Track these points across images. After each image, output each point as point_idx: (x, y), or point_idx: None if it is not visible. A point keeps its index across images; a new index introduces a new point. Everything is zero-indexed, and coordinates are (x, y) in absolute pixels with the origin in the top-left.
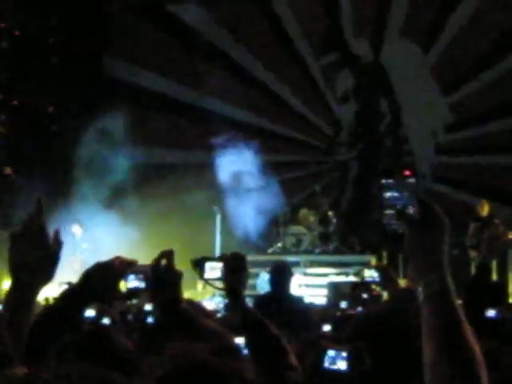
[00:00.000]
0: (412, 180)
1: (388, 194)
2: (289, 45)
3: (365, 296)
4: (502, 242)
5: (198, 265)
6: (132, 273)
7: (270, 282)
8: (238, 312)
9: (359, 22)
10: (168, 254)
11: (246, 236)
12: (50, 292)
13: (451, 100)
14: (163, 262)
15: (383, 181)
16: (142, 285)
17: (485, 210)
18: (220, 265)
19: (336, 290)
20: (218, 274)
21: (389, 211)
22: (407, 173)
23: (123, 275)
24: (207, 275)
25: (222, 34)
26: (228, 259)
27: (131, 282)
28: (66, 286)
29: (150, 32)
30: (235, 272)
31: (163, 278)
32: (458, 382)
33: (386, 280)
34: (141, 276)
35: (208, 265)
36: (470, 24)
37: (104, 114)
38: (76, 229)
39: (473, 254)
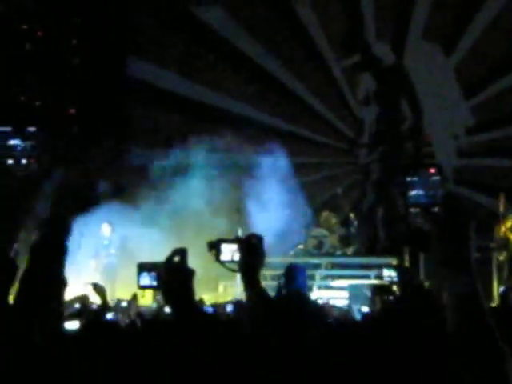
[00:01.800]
0: (437, 178)
1: (413, 192)
2: (310, 47)
3: (385, 298)
4: None
5: (214, 247)
6: (144, 270)
7: (284, 282)
8: (253, 294)
9: (381, 24)
10: (181, 252)
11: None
12: (76, 292)
13: (473, 103)
14: (176, 259)
15: (408, 178)
16: (154, 283)
17: (502, 204)
18: (236, 247)
19: (356, 293)
20: (234, 256)
21: (414, 209)
22: (432, 170)
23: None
24: (223, 257)
25: (244, 36)
26: (244, 241)
27: (143, 280)
28: (90, 287)
29: (173, 34)
30: (251, 254)
31: (176, 275)
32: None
33: (404, 280)
34: (153, 274)
35: (224, 247)
36: (491, 26)
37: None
38: (105, 228)
39: (501, 256)
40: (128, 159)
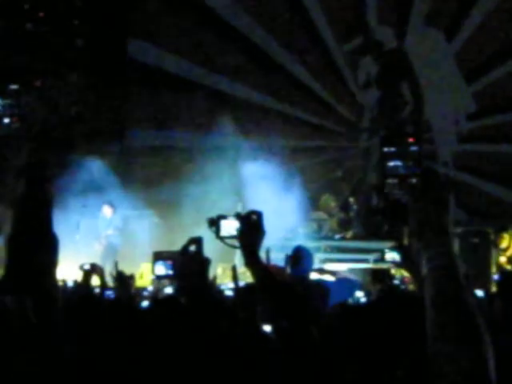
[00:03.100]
0: (415, 148)
1: (391, 163)
2: (312, 30)
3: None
4: None
5: (214, 223)
6: (160, 259)
7: (290, 265)
8: (253, 270)
9: (383, 8)
10: (197, 241)
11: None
12: (72, 275)
13: (474, 88)
14: (192, 248)
15: (385, 149)
16: (170, 272)
17: (504, 242)
18: (236, 223)
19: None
20: (233, 232)
21: (391, 180)
22: (410, 140)
23: None
24: (223, 233)
25: (244, 18)
26: (244, 217)
27: (159, 269)
28: (87, 267)
29: (173, 15)
30: (250, 229)
31: (192, 265)
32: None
33: (408, 261)
34: (169, 263)
35: (224, 223)
36: (494, 11)
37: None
38: (106, 209)
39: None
40: (130, 139)
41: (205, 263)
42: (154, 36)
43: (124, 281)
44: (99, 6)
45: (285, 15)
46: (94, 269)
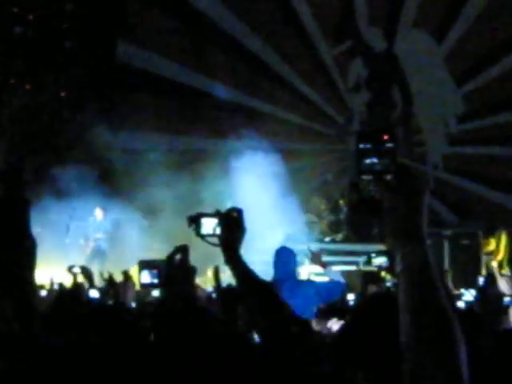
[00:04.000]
0: (390, 145)
1: (367, 160)
2: (302, 33)
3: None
4: None
5: (194, 221)
6: (146, 268)
7: (275, 266)
8: (234, 269)
9: (373, 10)
10: (183, 249)
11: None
12: (60, 277)
13: (464, 90)
14: (177, 256)
15: (361, 145)
16: (155, 280)
17: (491, 245)
18: (216, 221)
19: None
20: (214, 229)
21: (366, 177)
22: (385, 137)
23: None
24: (203, 231)
25: (234, 21)
26: (224, 214)
27: (144, 277)
28: (77, 270)
29: (163, 18)
30: (231, 227)
31: (177, 273)
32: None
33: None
34: (155, 271)
35: (204, 221)
36: (483, 14)
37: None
38: (98, 212)
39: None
40: (118, 143)
41: (190, 271)
42: (143, 39)
43: (114, 285)
44: (89, 9)
45: (274, 18)
46: (84, 271)
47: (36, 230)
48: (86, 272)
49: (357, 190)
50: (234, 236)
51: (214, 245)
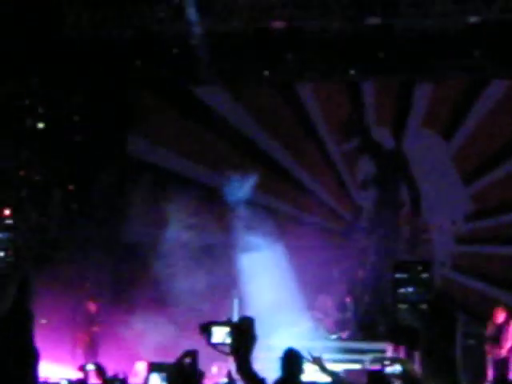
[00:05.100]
0: (426, 275)
1: (402, 289)
2: (311, 130)
3: None
4: None
5: (205, 329)
6: (155, 370)
7: (281, 367)
8: (244, 377)
9: (381, 109)
10: (192, 353)
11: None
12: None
13: (472, 190)
14: (187, 360)
15: (397, 275)
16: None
17: (501, 317)
18: (227, 329)
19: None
20: (225, 338)
21: (402, 306)
22: (421, 268)
23: None
24: (214, 340)
25: (243, 117)
26: (235, 324)
27: (154, 380)
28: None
29: (174, 114)
30: (242, 337)
31: (186, 378)
32: None
33: (409, 375)
34: (163, 374)
35: (215, 329)
36: (491, 113)
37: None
38: (91, 306)
39: (488, 348)
40: (123, 237)
41: (199, 377)
42: (154, 134)
43: None
44: (99, 101)
45: (283, 114)
46: (98, 369)
47: None
48: (101, 370)
49: (394, 319)
50: (246, 345)
51: (225, 353)
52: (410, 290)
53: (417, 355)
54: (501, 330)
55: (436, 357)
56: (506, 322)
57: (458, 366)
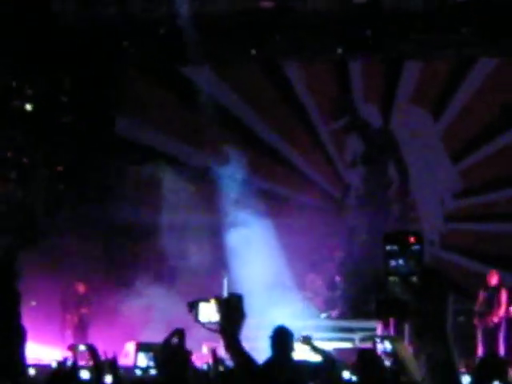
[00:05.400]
0: (417, 247)
1: (392, 261)
2: (298, 109)
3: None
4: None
5: (193, 306)
6: (143, 350)
7: (272, 346)
8: (233, 355)
9: (369, 87)
10: (179, 333)
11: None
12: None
13: (460, 167)
14: (174, 339)
15: (387, 247)
16: (151, 363)
17: (494, 279)
18: (215, 307)
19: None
20: (213, 315)
21: (392, 278)
22: (412, 239)
23: None
24: (202, 318)
25: (231, 97)
26: (223, 301)
27: (141, 360)
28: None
29: (161, 93)
30: (230, 313)
31: (174, 357)
32: None
33: (400, 352)
34: (151, 354)
35: (203, 306)
36: (479, 92)
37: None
38: (80, 286)
39: (476, 321)
40: (115, 218)
41: (186, 356)
42: (142, 114)
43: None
44: (88, 83)
45: (271, 93)
46: (90, 350)
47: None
48: (93, 351)
49: (384, 291)
50: (234, 322)
51: (213, 331)
52: (401, 262)
53: (406, 331)
54: (493, 294)
55: (426, 329)
56: (500, 286)
57: (449, 337)
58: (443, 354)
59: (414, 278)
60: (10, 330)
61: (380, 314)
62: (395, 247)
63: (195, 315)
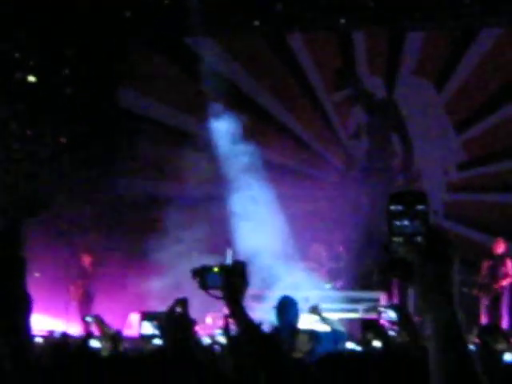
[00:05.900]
0: (422, 206)
1: (397, 222)
2: (302, 79)
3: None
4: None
5: (198, 274)
6: (147, 319)
7: (277, 316)
8: (237, 321)
9: (372, 59)
10: (182, 302)
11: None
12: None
13: (464, 137)
14: (178, 309)
15: (392, 207)
16: (156, 331)
17: (500, 247)
18: (220, 274)
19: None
20: (217, 282)
21: (397, 239)
22: (418, 199)
23: None
24: (207, 284)
25: (234, 67)
26: (227, 268)
27: (145, 328)
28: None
29: (163, 64)
30: (234, 281)
31: (177, 326)
32: None
33: (404, 320)
34: (155, 323)
35: (207, 273)
36: (483, 62)
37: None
38: (86, 258)
39: (477, 292)
40: (114, 188)
41: (190, 325)
42: (144, 86)
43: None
44: (89, 55)
45: (274, 64)
46: (97, 321)
47: None
48: (101, 322)
49: (388, 252)
50: (238, 290)
51: (217, 298)
52: (406, 222)
53: (410, 299)
54: (498, 263)
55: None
56: (505, 255)
57: (454, 299)
58: (448, 315)
59: (419, 238)
60: (14, 296)
61: (383, 275)
62: (400, 207)
63: (200, 282)
